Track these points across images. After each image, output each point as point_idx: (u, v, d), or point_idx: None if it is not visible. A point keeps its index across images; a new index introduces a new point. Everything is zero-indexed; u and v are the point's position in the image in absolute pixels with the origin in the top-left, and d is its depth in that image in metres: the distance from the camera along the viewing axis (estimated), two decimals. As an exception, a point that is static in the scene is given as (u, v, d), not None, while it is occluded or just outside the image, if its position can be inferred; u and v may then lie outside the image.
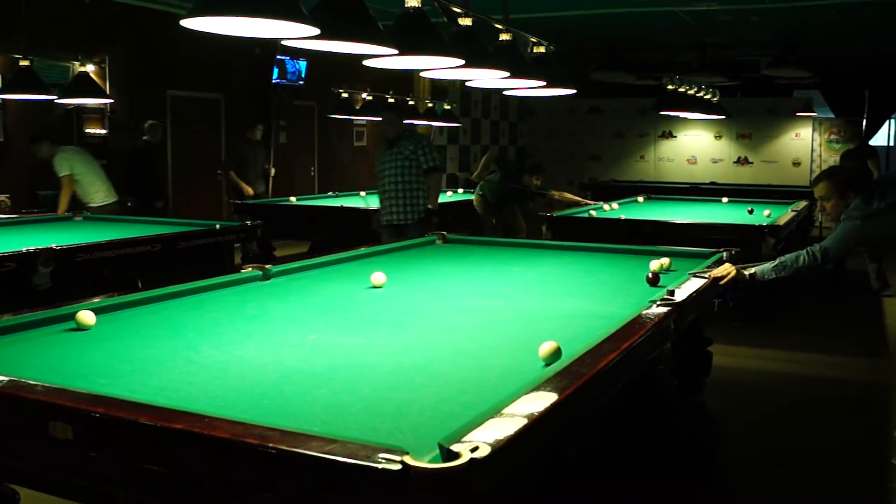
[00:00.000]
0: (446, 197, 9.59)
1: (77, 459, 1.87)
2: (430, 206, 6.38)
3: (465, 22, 3.79)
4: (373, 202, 8.14)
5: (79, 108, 8.35)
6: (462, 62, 3.45)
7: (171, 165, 9.57)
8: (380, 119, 9.96)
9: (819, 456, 4.02)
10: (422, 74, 4.18)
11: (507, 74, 3.97)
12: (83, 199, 7.01)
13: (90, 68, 7.39)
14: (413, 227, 6.19)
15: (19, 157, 7.87)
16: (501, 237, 7.01)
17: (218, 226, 5.75)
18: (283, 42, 2.93)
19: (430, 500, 1.44)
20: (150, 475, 1.77)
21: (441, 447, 1.56)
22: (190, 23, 2.48)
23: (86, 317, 2.72)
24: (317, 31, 2.57)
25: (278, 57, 9.95)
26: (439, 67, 3.67)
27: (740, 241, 5.00)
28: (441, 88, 12.28)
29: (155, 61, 9.07)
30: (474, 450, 1.52)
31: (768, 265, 3.95)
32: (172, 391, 2.06)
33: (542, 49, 4.64)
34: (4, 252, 4.27)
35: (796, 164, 14.44)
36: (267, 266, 3.76)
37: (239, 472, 1.64)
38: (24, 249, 4.33)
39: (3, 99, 7.20)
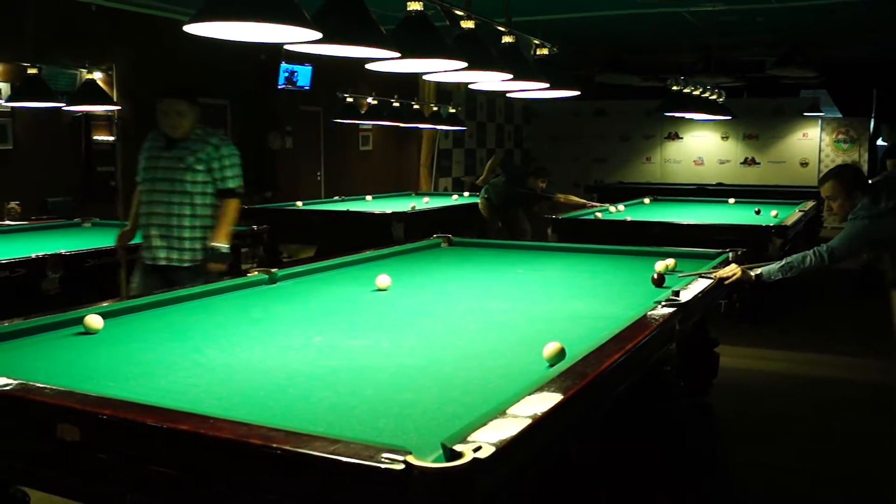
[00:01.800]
0: (452, 200, 9.62)
1: (84, 461, 1.89)
2: (216, 245, 4.19)
3: (468, 25, 3.80)
4: (381, 205, 8.15)
5: (87, 115, 8.40)
6: (465, 65, 3.47)
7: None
8: (384, 123, 10.05)
9: (826, 458, 4.01)
10: (425, 77, 4.19)
11: (511, 77, 3.98)
12: None
13: (97, 75, 7.43)
14: (191, 273, 4.15)
15: (29, 164, 7.92)
16: (506, 240, 7.01)
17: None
18: (286, 46, 2.95)
19: (434, 499, 1.45)
20: (156, 476, 1.79)
21: (444, 447, 1.57)
22: (192, 28, 2.50)
23: (93, 321, 2.74)
24: (319, 36, 2.59)
25: (284, 65, 9.99)
26: (442, 70, 3.68)
27: (747, 242, 4.99)
28: (446, 92, 12.29)
29: (162, 68, 9.11)
30: (477, 450, 1.53)
31: (774, 266, 3.94)
32: (178, 393, 2.07)
33: (545, 51, 4.65)
34: (14, 258, 4.31)
35: (804, 164, 14.41)
36: (273, 270, 3.78)
37: (243, 473, 1.65)
38: (33, 255, 4.37)
39: (11, 107, 7.24)
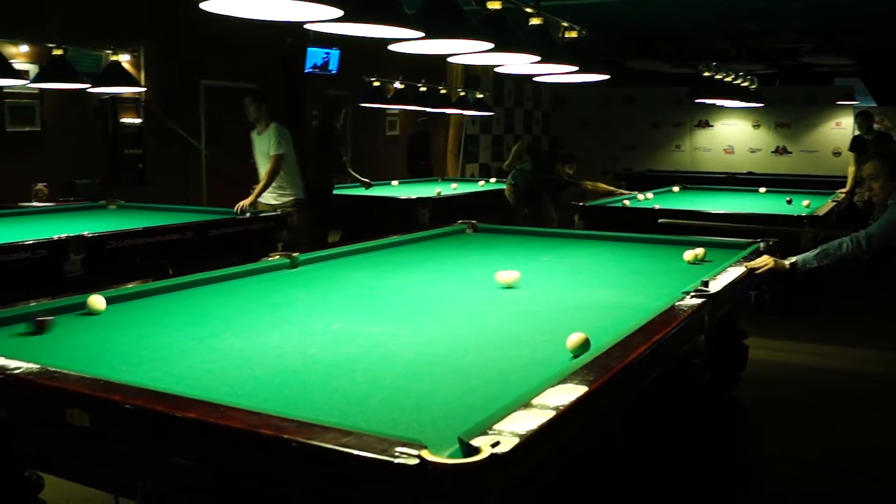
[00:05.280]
0: (478, 186, 9.54)
1: (94, 447, 1.85)
2: None
3: (494, 5, 3.71)
4: (407, 191, 8.09)
5: (114, 97, 8.41)
6: (491, 46, 3.38)
7: (204, 154, 9.60)
8: (411, 108, 9.98)
9: (857, 454, 3.90)
10: (450, 59, 4.11)
11: (538, 59, 3.89)
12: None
13: (125, 58, 7.41)
14: None
15: (56, 145, 7.94)
16: (532, 227, 6.91)
17: (248, 214, 5.74)
18: (306, 25, 2.88)
19: (448, 496, 1.39)
20: (167, 465, 1.75)
21: (461, 441, 1.50)
22: (209, 6, 2.44)
23: (97, 302, 2.70)
24: (339, 13, 2.52)
25: (313, 49, 9.94)
26: (467, 52, 3.60)
27: (779, 232, 4.86)
28: (474, 77, 12.18)
29: (189, 51, 9.10)
30: (495, 445, 1.47)
31: (810, 253, 3.82)
32: (192, 379, 2.03)
33: (573, 34, 4.55)
34: (37, 239, 4.30)
35: (836, 153, 14.13)
36: (294, 254, 3.74)
37: (255, 464, 1.60)
38: (55, 237, 4.35)
39: (38, 88, 7.25)
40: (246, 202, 5.88)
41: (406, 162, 11.54)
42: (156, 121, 8.12)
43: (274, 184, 6.15)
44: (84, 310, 2.72)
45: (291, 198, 6.18)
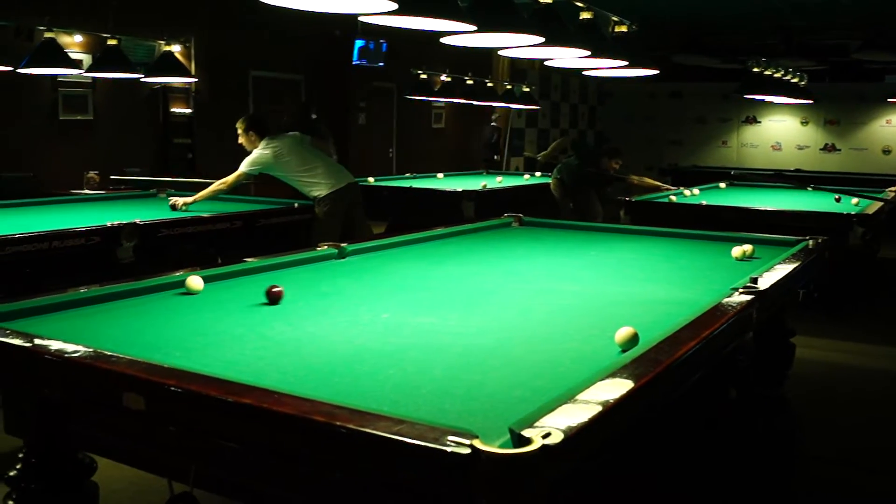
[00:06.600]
0: (523, 179, 9.51)
1: (149, 430, 1.89)
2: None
3: (545, -1, 3.70)
4: (452, 184, 8.11)
5: (164, 87, 8.55)
6: (542, 40, 3.37)
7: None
8: (457, 101, 9.97)
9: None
10: (500, 53, 4.12)
11: (588, 53, 3.87)
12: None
13: (175, 48, 7.53)
14: None
15: (108, 134, 8.10)
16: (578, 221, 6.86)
17: (296, 204, 5.80)
18: (361, 18, 2.91)
19: (499, 485, 1.40)
20: (219, 449, 1.78)
21: (512, 432, 1.51)
22: (268, -3, 2.48)
23: (195, 282, 2.80)
24: (394, 7, 2.53)
25: (360, 41, 10.00)
26: (519, 45, 3.59)
27: (827, 230, 4.78)
28: (520, 70, 12.14)
29: (238, 42, 9.21)
30: (546, 436, 1.47)
31: None
32: (244, 366, 2.07)
33: (623, 28, 4.51)
34: (91, 226, 4.39)
35: (886, 151, 13.86)
36: (342, 244, 3.77)
37: (306, 450, 1.63)
38: (108, 224, 4.44)
39: (92, 77, 7.39)
40: (180, 201, 5.50)
41: (485, 153, 12.25)
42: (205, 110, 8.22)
43: (307, 182, 6.04)
44: (143, 297, 2.79)
45: (319, 193, 6.04)
